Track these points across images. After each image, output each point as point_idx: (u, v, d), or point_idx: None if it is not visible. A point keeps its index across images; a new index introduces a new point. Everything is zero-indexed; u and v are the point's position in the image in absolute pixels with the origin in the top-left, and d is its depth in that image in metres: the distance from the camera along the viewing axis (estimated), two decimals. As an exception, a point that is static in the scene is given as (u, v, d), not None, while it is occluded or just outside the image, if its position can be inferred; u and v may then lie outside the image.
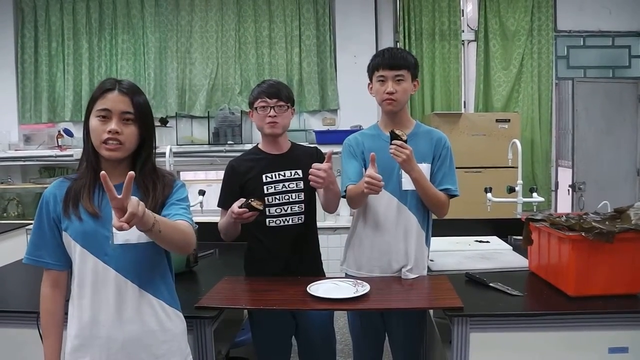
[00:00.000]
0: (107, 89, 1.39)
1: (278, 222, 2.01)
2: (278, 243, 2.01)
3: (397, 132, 1.83)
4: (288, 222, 2.01)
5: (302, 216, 2.03)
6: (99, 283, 1.39)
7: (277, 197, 2.01)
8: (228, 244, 2.10)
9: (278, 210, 2.01)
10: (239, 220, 1.89)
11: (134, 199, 1.16)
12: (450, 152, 2.03)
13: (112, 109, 1.37)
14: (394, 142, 1.82)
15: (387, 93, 1.95)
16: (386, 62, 1.95)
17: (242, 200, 1.86)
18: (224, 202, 2.02)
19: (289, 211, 2.01)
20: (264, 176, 2.01)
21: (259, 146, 2.11)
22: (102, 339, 1.38)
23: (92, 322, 1.39)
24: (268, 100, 1.98)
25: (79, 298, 1.41)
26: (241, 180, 2.03)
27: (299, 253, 2.04)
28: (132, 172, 1.17)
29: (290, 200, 2.01)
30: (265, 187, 2.00)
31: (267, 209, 1.97)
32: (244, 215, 1.83)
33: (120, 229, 1.14)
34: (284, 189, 2.01)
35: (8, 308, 1.81)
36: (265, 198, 1.97)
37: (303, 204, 2.03)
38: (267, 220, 2.00)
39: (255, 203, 1.82)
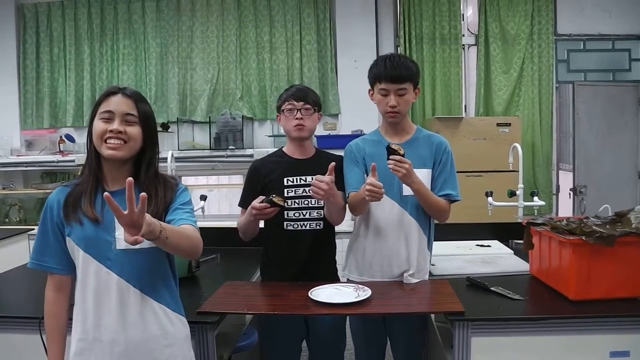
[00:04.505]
0: (111, 92, 1.41)
1: (296, 226, 2.02)
2: (294, 247, 2.02)
3: (393, 146, 1.82)
4: (306, 227, 2.02)
5: (321, 222, 2.03)
6: (102, 288, 1.40)
7: (297, 201, 2.01)
8: (230, 249, 2.11)
9: (296, 215, 2.01)
10: (259, 217, 1.90)
11: (147, 216, 1.17)
12: (451, 157, 2.03)
13: (115, 110, 1.39)
14: (392, 157, 1.81)
15: (390, 106, 1.95)
16: (388, 74, 1.92)
17: (262, 197, 1.87)
18: (245, 202, 2.03)
19: (307, 216, 2.02)
20: (285, 179, 2.02)
21: (284, 149, 2.12)
22: (105, 343, 1.39)
23: (95, 326, 1.40)
24: (295, 103, 2.00)
25: (82, 302, 1.42)
26: (263, 182, 2.05)
27: (315, 259, 2.04)
28: (130, 179, 1.16)
29: (310, 205, 2.02)
30: (285, 190, 2.01)
31: (285, 212, 1.98)
32: (266, 210, 1.85)
33: (135, 243, 1.16)
34: (304, 193, 2.01)
35: (10, 314, 1.81)
36: (285, 201, 1.97)
37: (322, 211, 2.02)
38: (285, 223, 2.01)
39: (276, 199, 1.84)
